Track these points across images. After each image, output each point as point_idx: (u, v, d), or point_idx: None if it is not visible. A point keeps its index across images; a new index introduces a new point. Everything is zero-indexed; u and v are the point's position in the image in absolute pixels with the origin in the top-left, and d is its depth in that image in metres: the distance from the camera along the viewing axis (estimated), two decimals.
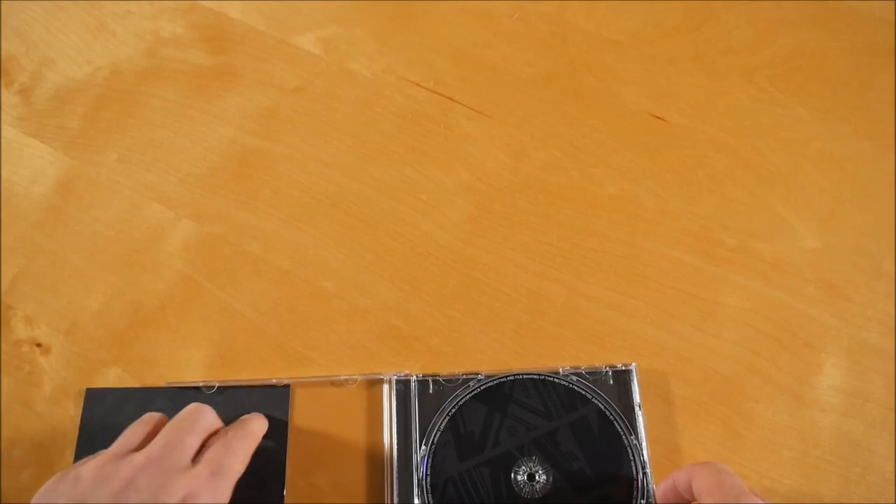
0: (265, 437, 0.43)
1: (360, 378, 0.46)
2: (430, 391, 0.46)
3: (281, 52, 0.59)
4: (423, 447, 0.45)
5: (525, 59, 0.58)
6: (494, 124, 0.55)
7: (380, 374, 0.47)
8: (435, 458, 0.44)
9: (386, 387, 0.46)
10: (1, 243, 0.52)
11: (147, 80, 0.58)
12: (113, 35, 0.60)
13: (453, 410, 0.46)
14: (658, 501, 0.41)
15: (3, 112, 0.57)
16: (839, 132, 0.54)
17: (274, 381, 0.46)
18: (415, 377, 0.46)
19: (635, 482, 0.44)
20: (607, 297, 0.49)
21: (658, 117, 0.55)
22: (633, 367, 0.46)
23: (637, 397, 0.46)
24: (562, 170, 0.53)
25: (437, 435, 0.45)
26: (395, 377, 0.46)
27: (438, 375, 0.46)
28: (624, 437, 0.45)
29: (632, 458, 0.44)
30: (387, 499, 0.43)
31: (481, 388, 0.46)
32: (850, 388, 0.47)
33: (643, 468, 0.44)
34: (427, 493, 0.44)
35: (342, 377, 0.46)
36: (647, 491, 0.44)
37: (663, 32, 0.59)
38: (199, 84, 0.58)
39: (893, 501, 0.44)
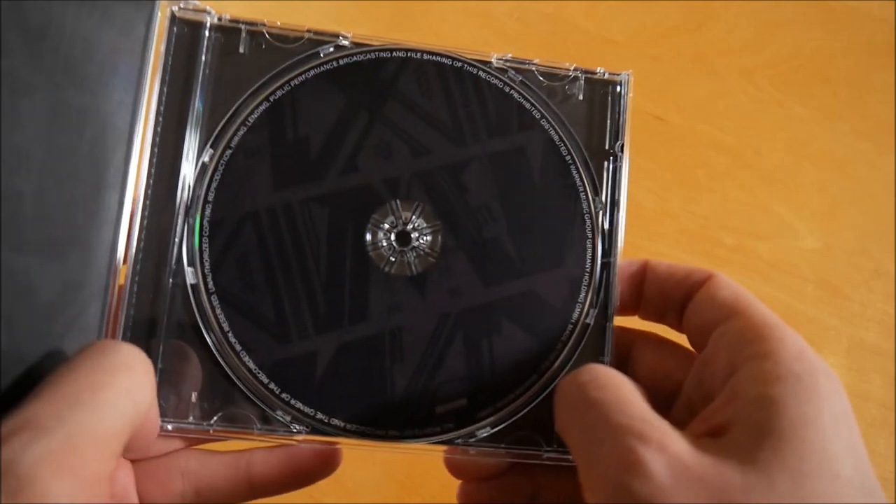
0: None
1: None
2: (242, 51, 0.27)
3: None
4: (210, 151, 0.26)
5: None
6: None
7: None
8: (228, 174, 0.26)
9: (156, 21, 0.26)
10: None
11: None
12: None
13: (280, 94, 0.27)
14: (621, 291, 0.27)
15: None
16: (839, 132, 0.54)
17: None
18: (215, 17, 0.27)
19: (587, 275, 0.27)
20: None
21: (658, 117, 0.55)
22: (623, 76, 0.29)
23: (625, 132, 0.28)
24: None
25: (241, 133, 0.26)
26: (177, 7, 0.26)
27: (263, 24, 0.27)
28: (584, 194, 0.28)
29: (589, 232, 0.27)
30: (120, 246, 0.25)
31: (341, 62, 0.27)
32: (849, 388, 0.46)
33: (607, 253, 0.27)
34: (201, 236, 0.26)
35: None
36: (609, 292, 0.27)
37: (663, 32, 0.59)
38: None
39: (893, 501, 0.44)
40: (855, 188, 0.52)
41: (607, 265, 0.27)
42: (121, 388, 0.21)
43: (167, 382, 0.25)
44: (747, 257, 0.50)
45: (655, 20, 0.59)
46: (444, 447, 0.27)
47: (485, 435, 0.27)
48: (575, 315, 0.27)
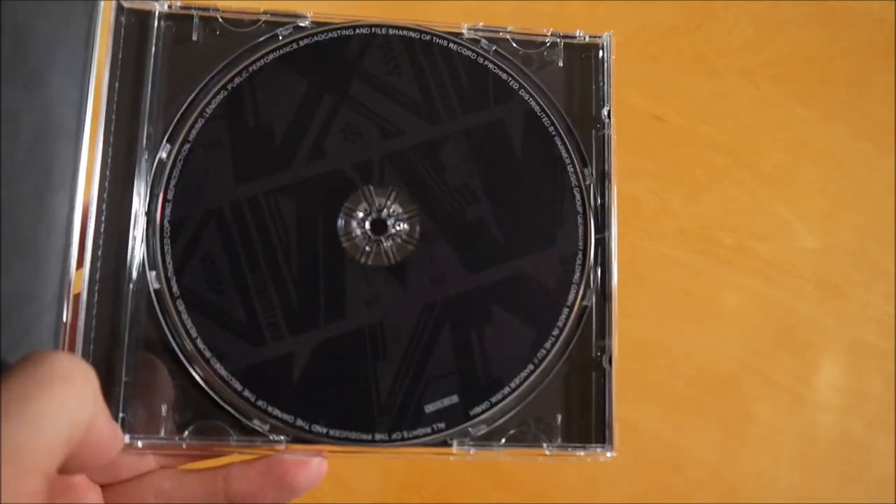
0: None
1: None
2: (196, 38, 0.25)
3: None
4: (167, 146, 0.24)
5: None
6: None
7: None
8: (187, 169, 0.24)
9: (100, 10, 0.23)
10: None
11: None
12: None
13: (238, 81, 0.25)
14: None
15: None
16: (839, 132, 0.54)
17: None
18: (164, 4, 0.25)
19: (581, 253, 0.25)
20: None
21: (658, 117, 0.55)
22: (605, 38, 0.27)
23: (610, 97, 0.26)
24: None
25: (199, 126, 0.25)
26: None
27: (217, 8, 0.26)
28: (571, 167, 0.25)
29: (580, 207, 0.25)
30: (74, 252, 0.23)
31: (301, 43, 0.25)
32: (848, 388, 0.47)
33: (601, 229, 0.25)
34: (161, 237, 0.24)
35: None
36: (606, 276, 0.25)
37: (663, 32, 0.59)
38: None
39: (892, 501, 0.44)
40: (855, 188, 0.52)
41: (602, 241, 0.25)
42: (53, 400, 0.19)
43: (134, 396, 0.24)
44: (747, 257, 0.50)
45: (655, 20, 0.59)
46: (436, 449, 0.25)
47: (480, 433, 0.25)
48: (570, 298, 0.25)
